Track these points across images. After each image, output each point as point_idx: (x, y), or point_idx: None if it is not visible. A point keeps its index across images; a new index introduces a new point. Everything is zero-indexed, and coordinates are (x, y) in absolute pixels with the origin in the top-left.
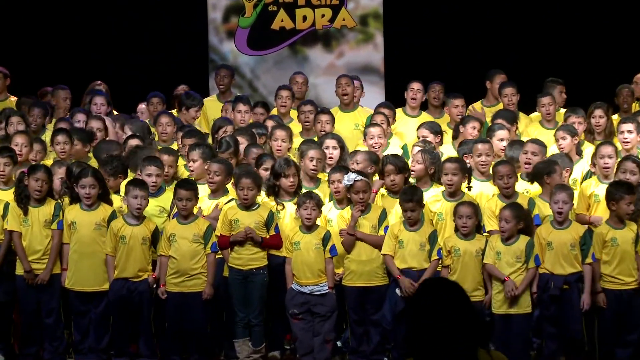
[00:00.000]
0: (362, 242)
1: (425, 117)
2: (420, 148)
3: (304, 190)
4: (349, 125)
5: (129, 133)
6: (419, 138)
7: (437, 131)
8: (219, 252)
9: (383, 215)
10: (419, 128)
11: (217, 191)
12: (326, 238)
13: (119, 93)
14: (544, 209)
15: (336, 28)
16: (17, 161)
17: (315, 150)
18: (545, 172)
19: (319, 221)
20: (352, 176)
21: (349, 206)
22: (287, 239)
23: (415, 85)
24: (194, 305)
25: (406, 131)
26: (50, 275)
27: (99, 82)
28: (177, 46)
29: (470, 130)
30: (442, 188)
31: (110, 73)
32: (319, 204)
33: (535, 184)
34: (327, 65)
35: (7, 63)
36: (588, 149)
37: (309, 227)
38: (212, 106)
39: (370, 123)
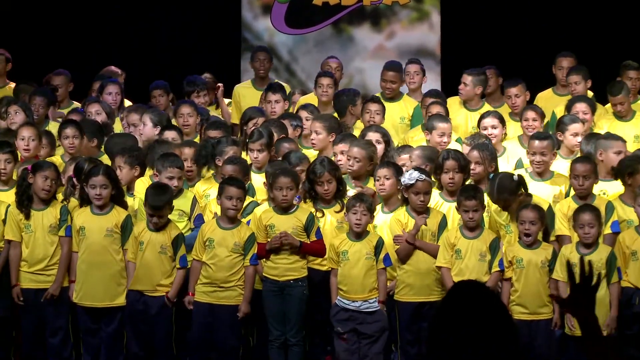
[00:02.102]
0: (421, 251)
1: (487, 108)
2: (473, 144)
3: (350, 192)
4: (393, 118)
5: (150, 124)
6: (482, 129)
7: (504, 122)
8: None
9: (443, 222)
10: (484, 117)
11: None
12: (379, 246)
13: (132, 80)
14: (625, 212)
15: (386, 4)
16: (20, 158)
17: (358, 148)
18: (627, 170)
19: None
20: (414, 174)
21: (404, 208)
22: (333, 247)
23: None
24: (224, 320)
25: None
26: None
27: (113, 67)
28: (204, 23)
29: (531, 122)
30: None
31: (121, 56)
32: (370, 208)
33: (615, 184)
34: (375, 47)
35: (8, 46)
36: None
37: (358, 234)
38: (246, 94)
39: (436, 116)
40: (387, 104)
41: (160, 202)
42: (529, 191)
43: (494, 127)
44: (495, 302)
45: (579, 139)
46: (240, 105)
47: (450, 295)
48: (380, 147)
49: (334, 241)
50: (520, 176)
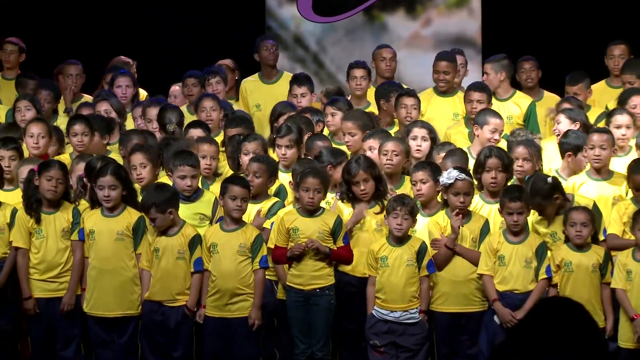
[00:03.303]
0: (460, 257)
1: (522, 97)
2: (519, 139)
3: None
4: (446, 114)
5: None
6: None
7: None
8: (271, 268)
9: (486, 228)
10: (559, 111)
11: (258, 195)
12: (421, 252)
13: (147, 71)
14: None
15: None
16: (26, 155)
17: (393, 142)
18: None
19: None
20: (453, 173)
21: (444, 210)
22: (372, 253)
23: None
24: (239, 334)
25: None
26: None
27: (123, 57)
28: (224, 10)
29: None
30: None
31: (135, 46)
32: (412, 211)
33: None
34: (410, 36)
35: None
36: None
37: (399, 238)
38: (254, 89)
39: (488, 110)
40: (439, 99)
41: (145, 201)
42: (580, 193)
43: (558, 122)
44: (589, 322)
45: (623, 131)
46: (247, 101)
47: (537, 314)
48: (425, 145)
49: (373, 246)
50: (554, 178)
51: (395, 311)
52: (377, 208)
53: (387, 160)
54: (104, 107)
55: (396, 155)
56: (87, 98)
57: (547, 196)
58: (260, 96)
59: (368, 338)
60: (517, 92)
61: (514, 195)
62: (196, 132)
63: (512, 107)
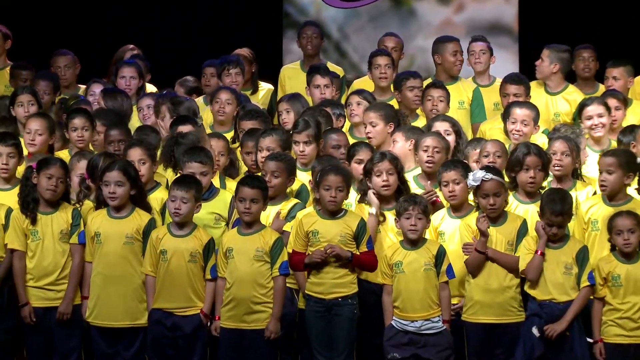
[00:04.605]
0: (494, 262)
1: (573, 92)
2: (559, 135)
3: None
4: (452, 102)
5: (168, 115)
6: (585, 119)
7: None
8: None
9: (523, 229)
10: (588, 104)
11: (277, 196)
12: (440, 256)
13: (155, 62)
14: None
15: None
16: (28, 154)
17: (433, 138)
18: None
19: (427, 234)
20: (478, 174)
21: (476, 212)
22: (384, 259)
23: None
24: (256, 349)
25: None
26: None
27: (131, 45)
28: None
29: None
30: (590, 187)
31: (141, 33)
32: (426, 210)
33: None
34: (441, 23)
35: (9, 22)
36: None
37: (414, 241)
38: (293, 76)
39: (514, 103)
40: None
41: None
42: None
43: (600, 115)
44: None
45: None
46: (286, 89)
47: None
48: (450, 139)
49: (386, 252)
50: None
51: (416, 320)
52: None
53: (427, 157)
54: (97, 89)
55: (437, 152)
56: (83, 89)
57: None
58: (300, 85)
59: (386, 351)
60: (570, 86)
61: (557, 209)
62: (184, 128)
63: (562, 103)
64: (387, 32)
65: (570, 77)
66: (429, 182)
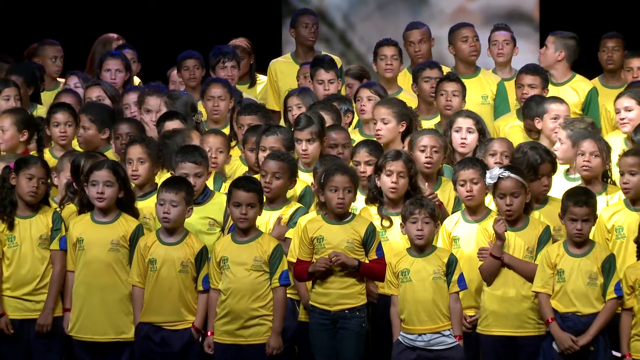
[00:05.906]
0: (511, 270)
1: (579, 81)
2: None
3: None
4: (473, 97)
5: (165, 111)
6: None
7: None
8: (292, 285)
9: (546, 235)
10: (618, 98)
11: (277, 199)
12: (451, 264)
13: (145, 53)
14: None
15: None
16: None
17: (430, 137)
18: None
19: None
20: (495, 172)
21: (494, 215)
22: (390, 267)
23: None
24: None
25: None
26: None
27: (115, 35)
28: None
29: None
30: (620, 193)
31: (127, 22)
32: (433, 214)
33: None
34: (454, 11)
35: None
36: None
37: (421, 248)
38: (285, 70)
39: (543, 98)
40: (463, 80)
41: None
42: None
43: (628, 109)
44: None
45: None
46: (278, 85)
47: None
48: (472, 138)
49: (391, 260)
50: None
51: (424, 334)
52: None
53: (426, 157)
54: (95, 94)
55: (436, 151)
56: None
57: None
58: (293, 80)
59: None
60: (577, 75)
61: (581, 200)
62: (172, 125)
63: (569, 92)
64: (412, 23)
65: (576, 67)
66: (426, 183)
